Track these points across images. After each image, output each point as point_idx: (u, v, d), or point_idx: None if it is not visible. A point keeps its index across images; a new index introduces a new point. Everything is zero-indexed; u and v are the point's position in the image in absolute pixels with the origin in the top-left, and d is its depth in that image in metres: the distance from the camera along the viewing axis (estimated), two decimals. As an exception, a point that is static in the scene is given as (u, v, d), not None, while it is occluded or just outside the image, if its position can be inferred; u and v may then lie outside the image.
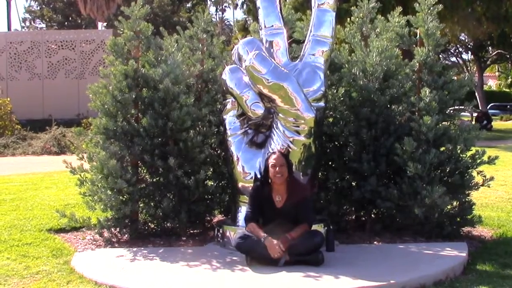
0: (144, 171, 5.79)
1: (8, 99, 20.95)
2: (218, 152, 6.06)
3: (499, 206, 7.36)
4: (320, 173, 5.74)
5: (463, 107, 6.03)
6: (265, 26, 5.44)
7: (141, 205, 5.71)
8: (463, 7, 22.25)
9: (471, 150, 5.63)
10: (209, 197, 5.86)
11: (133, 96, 5.58)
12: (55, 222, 6.34)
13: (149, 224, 5.81)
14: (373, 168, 5.59)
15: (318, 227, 4.91)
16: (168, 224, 5.75)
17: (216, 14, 66.25)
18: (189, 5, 58.03)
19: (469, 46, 38.63)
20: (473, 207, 5.64)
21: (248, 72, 4.81)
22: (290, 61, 5.36)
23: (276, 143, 4.95)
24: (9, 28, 50.20)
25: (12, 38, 27.13)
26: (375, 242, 5.43)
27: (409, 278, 4.25)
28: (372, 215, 5.89)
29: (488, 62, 42.28)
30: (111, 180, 5.34)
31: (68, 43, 26.02)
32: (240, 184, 5.20)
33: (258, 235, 4.60)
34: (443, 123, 5.61)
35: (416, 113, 5.64)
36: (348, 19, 6.27)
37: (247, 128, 5.27)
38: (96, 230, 5.58)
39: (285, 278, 4.29)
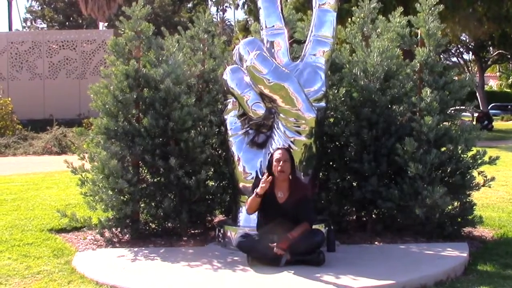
0: (145, 171, 5.80)
1: (9, 99, 20.98)
2: (219, 152, 6.07)
3: (500, 207, 7.36)
4: (321, 173, 5.74)
5: (464, 107, 6.03)
6: (266, 26, 5.44)
7: (142, 205, 5.72)
8: (464, 7, 22.26)
9: (472, 150, 5.63)
10: (210, 197, 5.87)
11: (134, 96, 5.58)
12: (56, 222, 6.35)
13: (150, 224, 5.82)
14: (374, 168, 5.60)
15: (319, 227, 4.91)
16: (169, 224, 5.75)
17: (217, 14, 66.26)
18: (190, 5, 58.09)
19: (470, 46, 38.60)
20: (474, 207, 5.64)
21: (249, 72, 4.82)
22: (291, 61, 5.36)
23: (277, 143, 4.96)
24: (10, 28, 50.26)
25: (13, 38, 27.15)
26: (376, 242, 5.43)
27: (410, 278, 4.25)
28: (373, 215, 5.89)
29: (489, 62, 42.25)
30: (112, 180, 5.35)
31: (69, 43, 26.04)
32: (241, 184, 5.20)
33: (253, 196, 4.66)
34: (444, 123, 5.61)
35: (417, 113, 5.64)
36: (349, 19, 6.28)
37: (248, 128, 5.27)
38: (97, 230, 5.59)
39: (286, 278, 4.29)
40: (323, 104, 5.18)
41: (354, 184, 5.81)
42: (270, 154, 4.83)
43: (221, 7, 66.96)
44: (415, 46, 5.93)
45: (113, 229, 5.58)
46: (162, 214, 5.63)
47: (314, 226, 4.77)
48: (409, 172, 5.33)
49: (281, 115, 4.91)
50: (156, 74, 5.60)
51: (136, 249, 5.27)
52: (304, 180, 5.02)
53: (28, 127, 19.82)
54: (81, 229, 5.94)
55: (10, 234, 5.93)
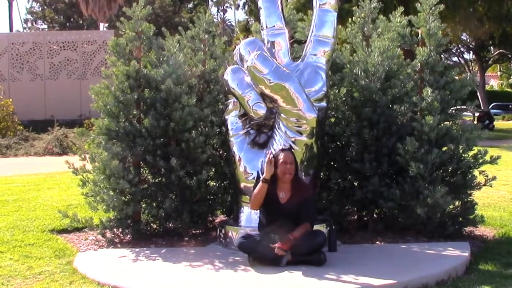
0: (146, 171, 5.80)
1: (10, 100, 21.01)
2: (220, 152, 6.06)
3: (501, 206, 7.36)
4: (322, 173, 5.74)
5: (465, 107, 6.02)
6: (266, 27, 5.44)
7: (143, 205, 5.72)
8: (464, 7, 22.23)
9: (473, 150, 5.63)
10: (211, 197, 5.87)
11: (135, 97, 5.59)
12: (58, 222, 6.35)
13: (152, 224, 5.82)
14: (375, 168, 5.60)
15: (320, 227, 4.91)
16: (170, 225, 5.75)
17: (217, 15, 66.34)
18: (190, 5, 58.11)
19: (470, 46, 38.59)
20: (475, 207, 5.64)
21: (250, 73, 4.82)
22: (292, 62, 5.36)
23: (278, 144, 4.96)
24: (11, 29, 50.34)
25: (14, 39, 27.16)
26: (377, 242, 5.43)
27: (411, 278, 4.25)
28: (374, 215, 5.89)
29: (490, 62, 42.23)
30: (113, 181, 5.35)
31: (70, 44, 26.04)
32: (242, 184, 5.20)
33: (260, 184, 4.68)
34: (445, 123, 5.60)
35: (418, 113, 5.63)
36: (350, 19, 6.28)
37: (249, 129, 5.28)
38: (98, 231, 5.59)
39: (287, 278, 4.29)
40: (324, 104, 5.17)
41: (355, 184, 5.80)
42: (271, 154, 4.80)
43: (222, 8, 67.04)
44: (415, 45, 5.92)
45: (115, 230, 5.59)
46: (163, 214, 5.63)
47: (315, 226, 4.78)
48: (410, 171, 5.33)
49: (282, 115, 4.91)
50: (157, 74, 5.60)
51: (137, 249, 5.28)
52: (305, 180, 5.02)
53: (29, 128, 19.84)
54: (83, 230, 5.95)
55: (12, 235, 5.94)
